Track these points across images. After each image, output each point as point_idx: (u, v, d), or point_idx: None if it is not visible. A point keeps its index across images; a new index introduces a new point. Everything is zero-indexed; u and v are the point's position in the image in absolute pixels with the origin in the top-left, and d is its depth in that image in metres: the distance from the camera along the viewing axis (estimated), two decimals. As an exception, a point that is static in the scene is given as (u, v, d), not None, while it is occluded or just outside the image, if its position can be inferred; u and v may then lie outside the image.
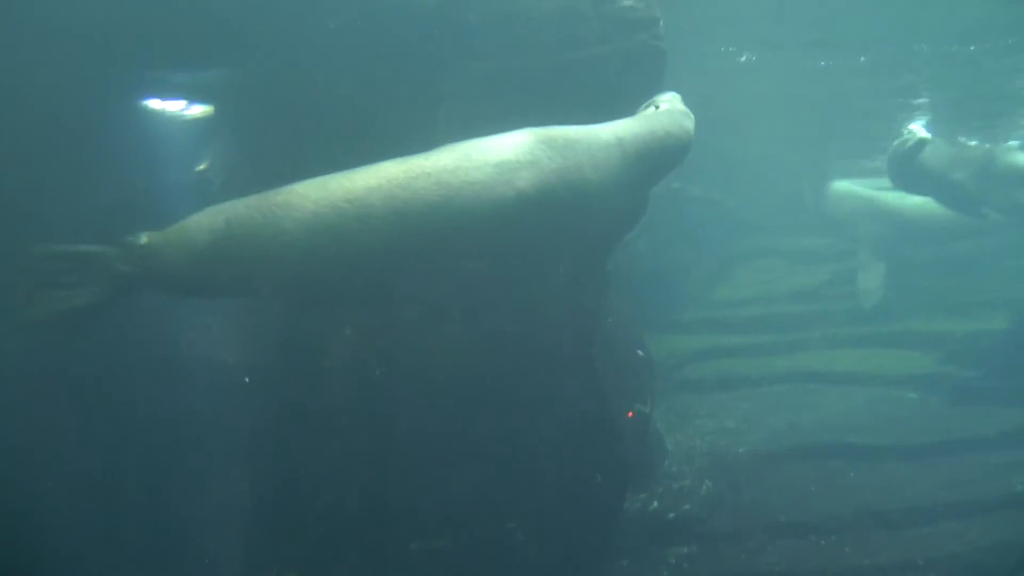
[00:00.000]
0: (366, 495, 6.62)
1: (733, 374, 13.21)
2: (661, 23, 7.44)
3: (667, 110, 6.47)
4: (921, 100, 15.54)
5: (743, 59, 12.50)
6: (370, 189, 5.26)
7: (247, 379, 7.10)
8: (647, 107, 6.68)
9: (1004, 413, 11.55)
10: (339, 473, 6.69)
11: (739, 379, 13.13)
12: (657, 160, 6.24)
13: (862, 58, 12.75)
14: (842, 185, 18.36)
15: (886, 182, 16.26)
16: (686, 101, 6.82)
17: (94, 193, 7.02)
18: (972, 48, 12.38)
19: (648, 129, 6.25)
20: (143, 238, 5.32)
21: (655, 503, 9.07)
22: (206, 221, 5.38)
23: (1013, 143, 18.86)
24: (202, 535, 7.04)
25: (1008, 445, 10.69)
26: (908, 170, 14.12)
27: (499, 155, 5.55)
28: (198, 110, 8.13)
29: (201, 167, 7.82)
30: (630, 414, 7.42)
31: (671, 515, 9.00)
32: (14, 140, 6.72)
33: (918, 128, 13.90)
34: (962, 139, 18.17)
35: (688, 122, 6.53)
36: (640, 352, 9.54)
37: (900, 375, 12.93)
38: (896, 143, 14.39)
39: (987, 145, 16.76)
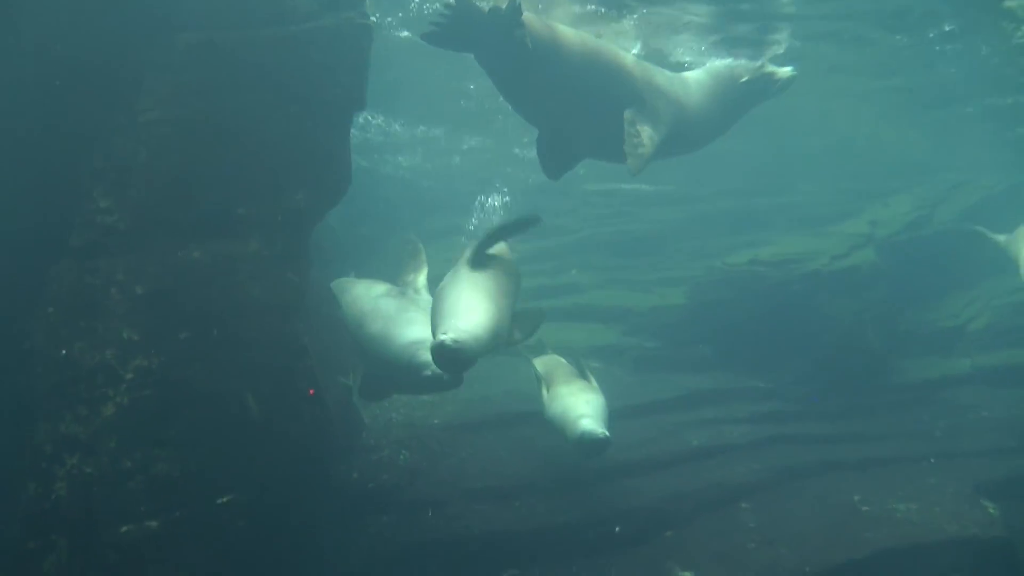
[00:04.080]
0: (74, 481, 6.89)
1: (425, 348, 14.15)
2: (367, 1, 8.18)
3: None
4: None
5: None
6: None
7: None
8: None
9: (680, 379, 13.38)
10: (44, 461, 6.93)
11: (430, 353, 14.07)
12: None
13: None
14: None
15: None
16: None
17: None
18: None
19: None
20: None
21: (355, 474, 9.83)
22: None
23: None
24: None
25: (684, 408, 12.45)
26: None
27: None
28: None
29: None
30: (311, 392, 8.06)
31: (370, 485, 9.79)
32: None
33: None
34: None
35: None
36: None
37: (586, 347, 14.40)
38: None
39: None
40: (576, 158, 9.36)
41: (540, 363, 10.60)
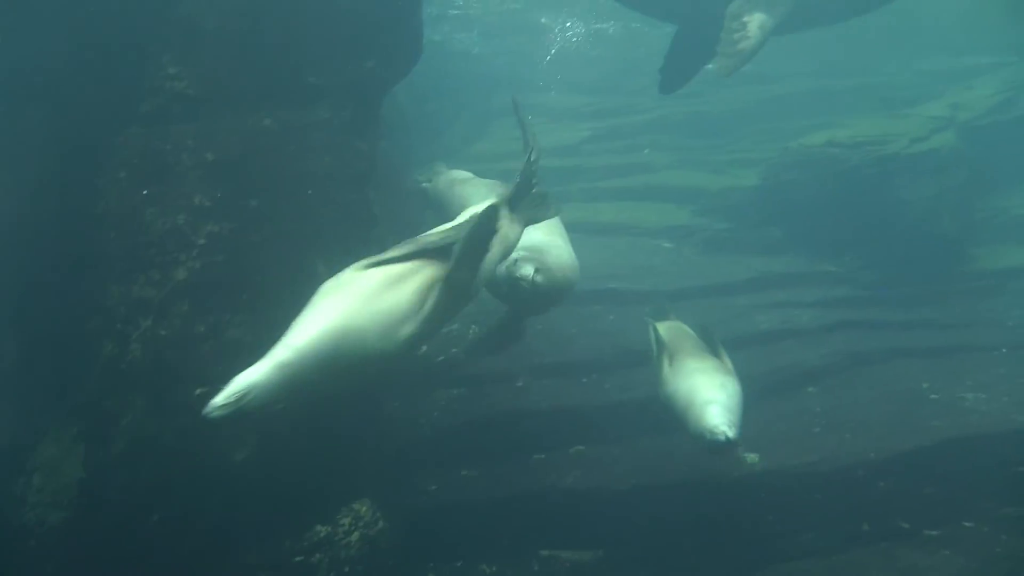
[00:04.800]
0: (148, 343, 6.91)
1: (494, 224, 13.96)
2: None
3: None
4: None
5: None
6: None
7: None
8: None
9: (751, 261, 13.13)
10: (119, 322, 6.94)
11: (500, 229, 13.91)
12: None
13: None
14: None
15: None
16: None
17: None
18: None
19: None
20: None
21: (424, 347, 9.75)
22: None
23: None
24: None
25: (754, 290, 12.23)
26: None
27: None
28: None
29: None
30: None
31: (440, 358, 9.77)
32: None
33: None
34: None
35: None
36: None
37: (657, 226, 14.23)
38: None
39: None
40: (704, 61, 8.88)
41: (663, 329, 8.89)
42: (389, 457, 8.76)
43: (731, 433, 7.09)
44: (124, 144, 7.23)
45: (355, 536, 7.73)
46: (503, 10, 21.26)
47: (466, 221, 6.11)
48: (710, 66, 8.46)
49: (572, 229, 13.78)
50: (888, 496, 8.50)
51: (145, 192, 7.07)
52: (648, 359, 8.63)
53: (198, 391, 6.72)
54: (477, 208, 6.45)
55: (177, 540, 6.88)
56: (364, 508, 7.91)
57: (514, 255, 6.95)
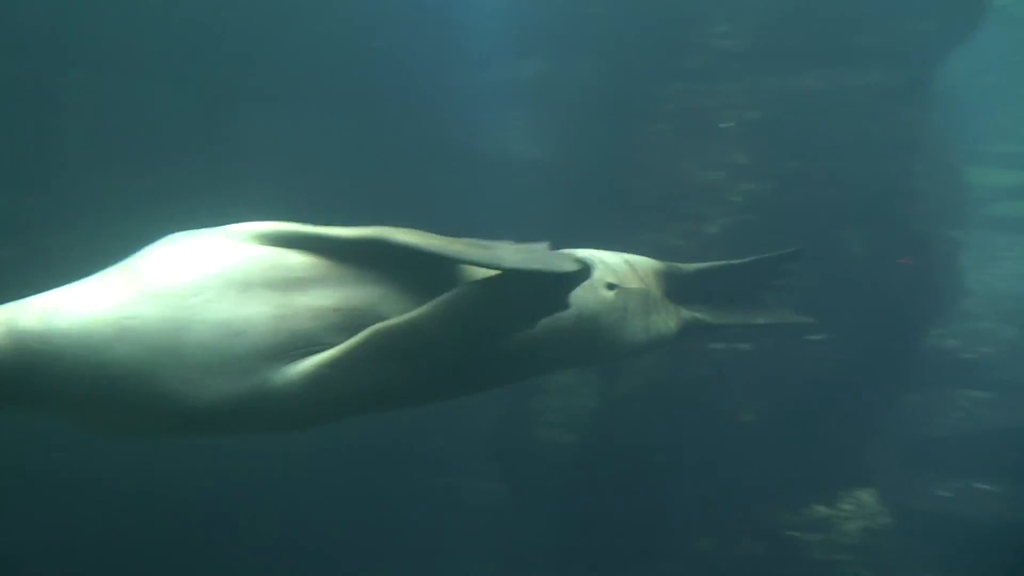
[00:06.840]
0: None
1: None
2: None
3: None
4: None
5: None
6: None
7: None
8: None
9: None
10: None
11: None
12: None
13: None
14: None
15: None
16: None
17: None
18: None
19: None
20: None
21: (951, 341, 9.09)
22: None
23: None
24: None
25: None
26: None
27: None
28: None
29: None
30: (906, 261, 7.42)
31: (967, 356, 9.04)
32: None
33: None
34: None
35: None
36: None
37: None
38: None
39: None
40: None
41: None
42: (901, 451, 8.25)
43: None
44: (669, 98, 7.36)
45: (855, 525, 7.36)
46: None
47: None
48: None
49: None
50: None
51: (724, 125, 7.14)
52: None
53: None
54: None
55: (673, 486, 6.94)
56: (869, 498, 7.50)
57: None
